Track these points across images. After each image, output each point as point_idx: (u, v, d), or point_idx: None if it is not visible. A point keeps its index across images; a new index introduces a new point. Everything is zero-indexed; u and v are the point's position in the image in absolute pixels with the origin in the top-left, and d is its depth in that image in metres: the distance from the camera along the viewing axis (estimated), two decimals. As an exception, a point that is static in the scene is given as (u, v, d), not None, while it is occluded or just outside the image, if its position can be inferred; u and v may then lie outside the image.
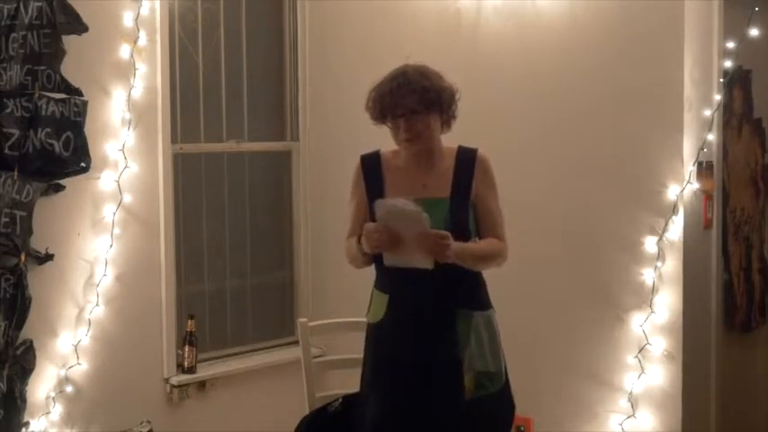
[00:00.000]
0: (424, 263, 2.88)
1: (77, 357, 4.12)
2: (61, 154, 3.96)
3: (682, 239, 3.85)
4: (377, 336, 3.07)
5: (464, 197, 2.99)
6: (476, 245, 2.99)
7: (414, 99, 2.93)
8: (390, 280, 3.02)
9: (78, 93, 4.02)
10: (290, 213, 5.04)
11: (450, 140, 3.09)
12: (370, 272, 3.12)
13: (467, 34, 4.37)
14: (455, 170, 3.02)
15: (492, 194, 3.05)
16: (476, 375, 2.95)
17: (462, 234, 2.96)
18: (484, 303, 3.05)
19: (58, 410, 4.08)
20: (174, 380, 4.44)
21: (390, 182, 3.05)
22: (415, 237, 2.84)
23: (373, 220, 2.96)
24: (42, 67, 3.90)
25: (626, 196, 3.96)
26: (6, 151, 3.84)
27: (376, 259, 3.02)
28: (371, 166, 3.09)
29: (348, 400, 3.20)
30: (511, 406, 3.09)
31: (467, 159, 3.03)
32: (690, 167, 3.84)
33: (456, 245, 2.87)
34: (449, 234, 2.85)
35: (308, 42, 4.96)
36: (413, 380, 2.96)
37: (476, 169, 3.02)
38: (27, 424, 3.97)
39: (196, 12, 4.68)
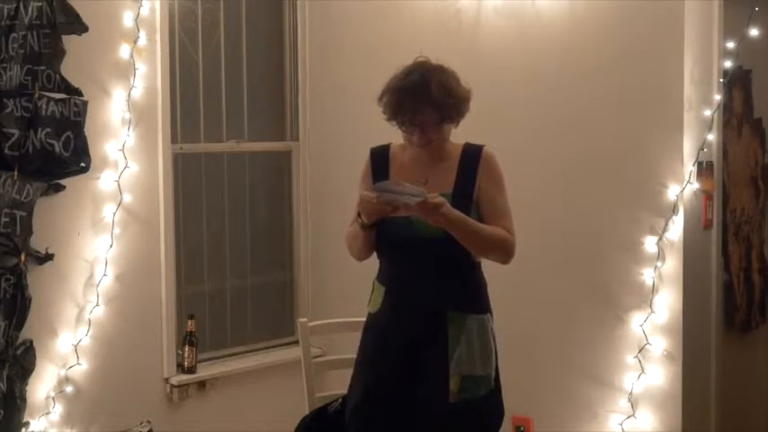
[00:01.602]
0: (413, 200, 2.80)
1: (77, 357, 4.12)
2: (61, 154, 3.95)
3: (682, 239, 3.85)
4: (373, 324, 3.09)
5: (467, 194, 2.97)
6: (474, 221, 2.93)
7: (434, 116, 2.91)
8: (389, 273, 3.03)
9: (78, 93, 4.02)
10: (290, 213, 5.04)
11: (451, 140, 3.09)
12: (371, 272, 3.12)
13: (467, 34, 4.37)
14: (459, 167, 3.00)
15: (497, 190, 3.01)
16: (462, 378, 2.93)
17: None
18: (480, 307, 3.02)
19: (58, 410, 4.08)
20: (174, 380, 4.44)
21: (395, 177, 3.04)
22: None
23: None
24: (42, 67, 3.90)
25: (626, 196, 3.96)
26: (6, 151, 3.84)
27: (377, 252, 3.03)
28: (380, 161, 3.10)
29: (348, 400, 3.21)
30: (499, 412, 3.06)
31: (472, 156, 3.02)
32: (690, 167, 3.84)
33: (449, 208, 2.83)
34: (444, 200, 2.82)
35: (308, 42, 4.96)
36: (399, 370, 2.97)
37: (480, 166, 3.00)
38: (27, 424, 3.97)
39: (196, 12, 4.68)
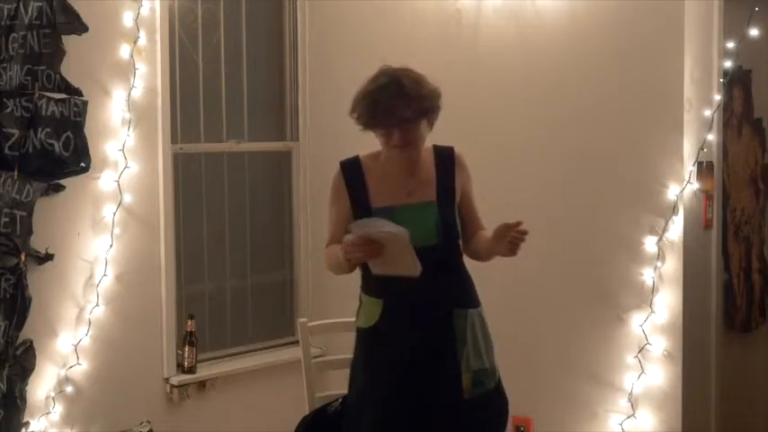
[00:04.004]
0: (411, 269, 2.83)
1: (77, 357, 4.12)
2: (61, 154, 3.96)
3: (682, 239, 3.85)
4: (372, 340, 3.03)
5: (451, 199, 3.02)
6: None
7: (412, 109, 2.89)
8: (383, 284, 2.97)
9: (78, 93, 4.02)
10: (290, 214, 5.03)
11: (450, 141, 3.10)
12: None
13: (467, 34, 4.37)
14: (437, 173, 3.02)
15: (472, 189, 3.10)
16: (474, 374, 2.95)
17: (453, 235, 2.99)
18: (476, 300, 3.05)
19: (58, 410, 4.08)
20: (174, 380, 4.44)
21: (374, 189, 3.03)
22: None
23: None
24: (42, 67, 3.90)
25: (626, 196, 3.96)
26: (6, 151, 3.84)
27: (363, 265, 2.98)
28: (353, 173, 3.07)
29: (348, 400, 3.20)
30: (506, 401, 3.09)
31: (446, 160, 3.05)
32: (690, 167, 3.84)
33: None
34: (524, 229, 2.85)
35: (308, 42, 4.96)
36: (413, 382, 2.95)
37: (456, 169, 3.04)
38: (27, 424, 3.97)
39: (196, 12, 4.68)
